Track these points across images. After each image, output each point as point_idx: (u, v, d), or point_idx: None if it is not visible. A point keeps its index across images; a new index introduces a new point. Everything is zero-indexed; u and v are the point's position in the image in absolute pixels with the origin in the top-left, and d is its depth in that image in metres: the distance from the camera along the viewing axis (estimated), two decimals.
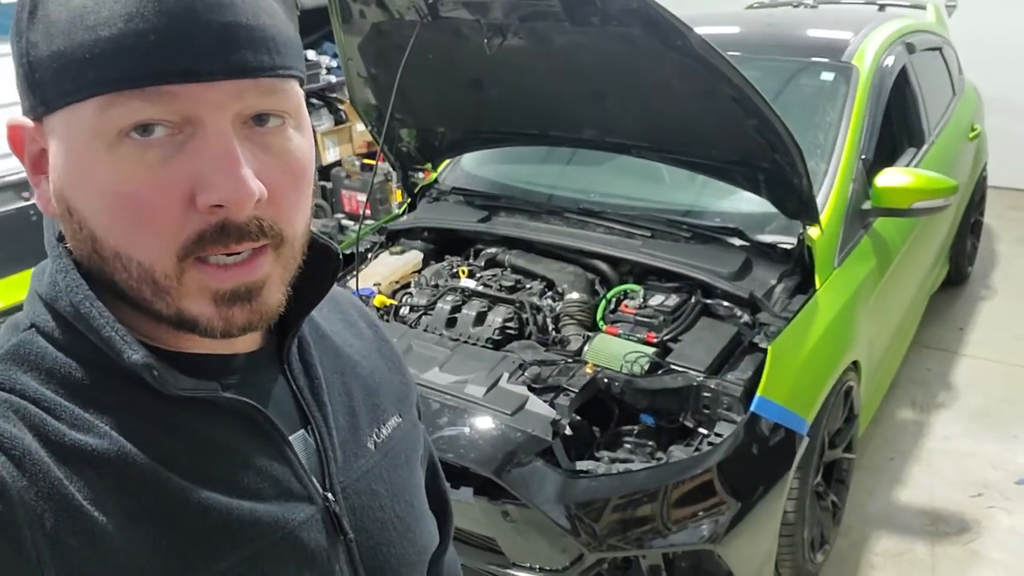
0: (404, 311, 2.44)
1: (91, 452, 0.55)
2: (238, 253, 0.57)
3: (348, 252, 2.75)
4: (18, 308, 0.65)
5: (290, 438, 0.67)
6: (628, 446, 2.03)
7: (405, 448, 0.80)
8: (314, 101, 5.07)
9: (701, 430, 2.02)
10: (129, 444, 0.56)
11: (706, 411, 2.02)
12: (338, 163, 5.13)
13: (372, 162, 4.88)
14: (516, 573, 1.98)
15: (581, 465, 1.95)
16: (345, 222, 4.86)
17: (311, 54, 5.14)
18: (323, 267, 0.69)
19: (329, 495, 0.68)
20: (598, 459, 1.98)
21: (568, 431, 2.02)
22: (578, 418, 2.06)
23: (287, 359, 0.70)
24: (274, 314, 0.61)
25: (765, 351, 2.05)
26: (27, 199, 3.94)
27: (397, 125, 2.82)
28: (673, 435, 2.06)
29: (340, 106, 5.19)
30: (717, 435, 1.97)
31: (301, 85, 0.61)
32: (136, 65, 0.52)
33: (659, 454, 2.00)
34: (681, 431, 2.05)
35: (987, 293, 4.27)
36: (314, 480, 0.67)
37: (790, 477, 2.03)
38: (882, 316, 2.68)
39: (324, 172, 5.08)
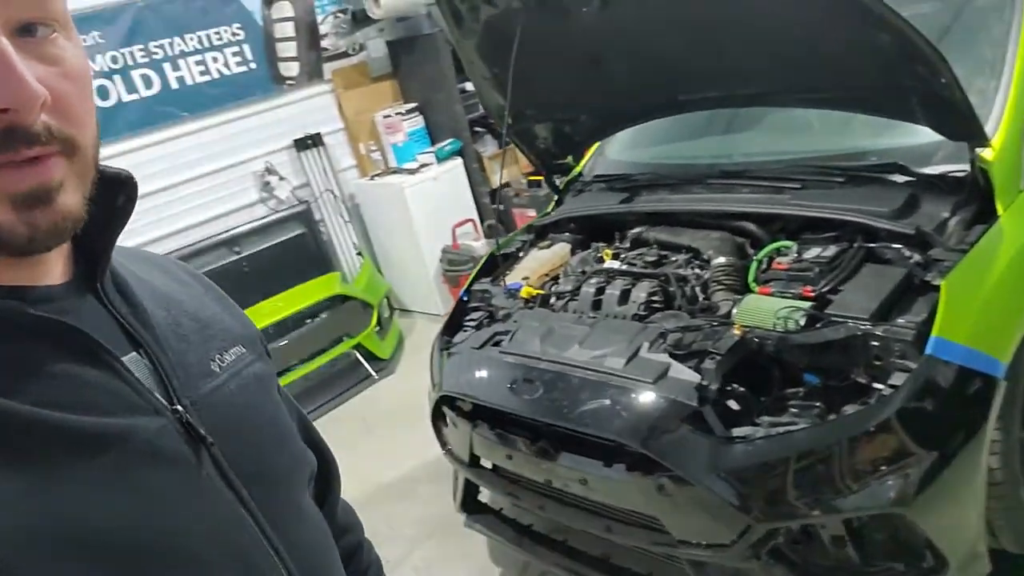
0: (552, 299, 2.44)
1: None
2: (30, 161, 0.57)
3: (499, 254, 2.81)
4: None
5: (123, 359, 0.66)
6: (793, 410, 1.87)
7: (255, 373, 0.79)
8: (477, 129, 5.27)
9: (876, 385, 1.81)
10: None
11: (877, 363, 1.82)
12: (507, 184, 5.27)
13: (539, 178, 4.97)
14: (684, 551, 1.88)
15: (738, 432, 1.83)
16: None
17: (468, 85, 5.36)
18: (121, 193, 0.70)
19: (178, 407, 0.67)
20: (758, 425, 1.85)
21: (733, 404, 1.91)
22: (739, 388, 1.94)
23: (104, 289, 0.70)
24: (76, 218, 0.61)
25: (939, 289, 1.81)
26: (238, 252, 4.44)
27: (531, 123, 2.85)
28: (845, 394, 1.87)
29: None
30: (892, 387, 1.77)
31: None
32: None
33: (830, 416, 1.82)
34: (854, 389, 1.86)
35: None
36: (156, 395, 0.67)
37: (990, 427, 1.76)
38: None
39: (494, 195, 5.24)
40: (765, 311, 1.96)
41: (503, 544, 2.40)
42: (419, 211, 4.76)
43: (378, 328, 4.36)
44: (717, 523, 1.81)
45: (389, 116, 5.08)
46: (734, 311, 2.03)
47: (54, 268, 0.67)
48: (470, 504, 2.51)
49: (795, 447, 1.74)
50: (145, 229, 4.26)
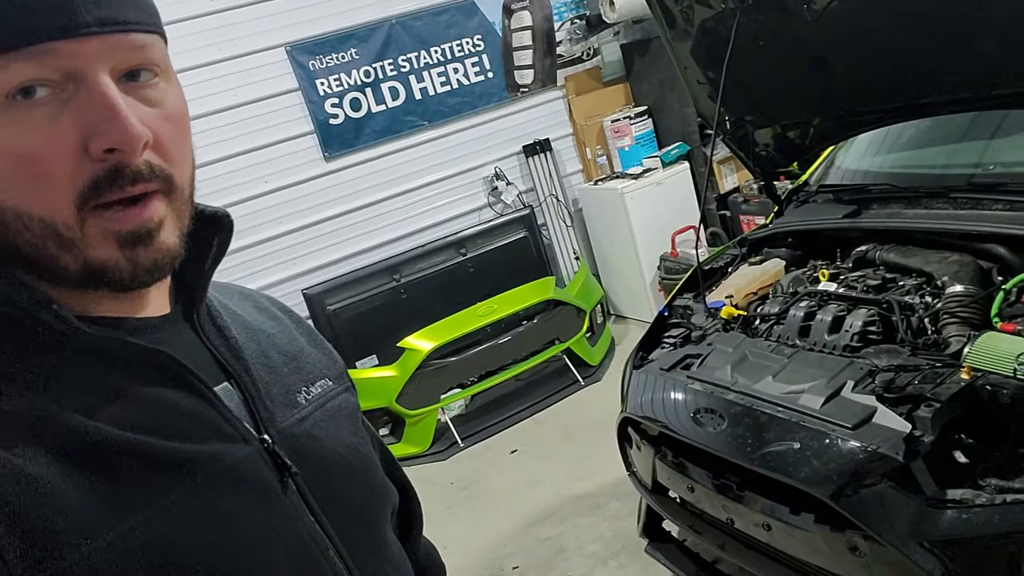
0: (756, 321, 2.24)
1: (8, 412, 0.58)
2: (134, 198, 0.60)
3: (707, 268, 2.65)
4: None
5: (215, 388, 0.69)
6: None
7: (340, 404, 0.81)
8: (708, 132, 5.03)
9: None
10: (46, 400, 0.59)
11: None
12: (736, 190, 4.99)
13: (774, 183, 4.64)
14: None
15: (954, 494, 1.54)
16: (697, 245, 4.70)
17: None
18: (218, 232, 0.74)
19: (266, 436, 0.70)
20: (982, 487, 1.55)
21: (960, 456, 1.62)
22: (967, 439, 1.65)
23: (200, 321, 0.73)
24: (175, 255, 0.64)
25: None
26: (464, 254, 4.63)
27: (750, 128, 2.65)
28: None
29: None
30: None
31: (165, 42, 0.65)
32: (15, 26, 0.56)
33: None
34: None
35: None
36: (245, 424, 0.69)
37: None
38: None
39: (722, 200, 4.99)
40: (1005, 353, 1.64)
41: None
42: (639, 217, 4.65)
43: (589, 334, 4.32)
44: None
45: (618, 120, 5.02)
46: (966, 350, 1.72)
47: (155, 301, 0.72)
48: (652, 530, 2.38)
49: None
50: (383, 231, 4.58)
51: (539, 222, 4.96)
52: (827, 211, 2.49)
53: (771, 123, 2.62)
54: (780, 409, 1.77)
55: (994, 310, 1.84)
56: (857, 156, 2.72)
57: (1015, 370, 1.60)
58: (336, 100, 4.43)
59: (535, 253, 4.83)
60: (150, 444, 0.61)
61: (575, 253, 5.06)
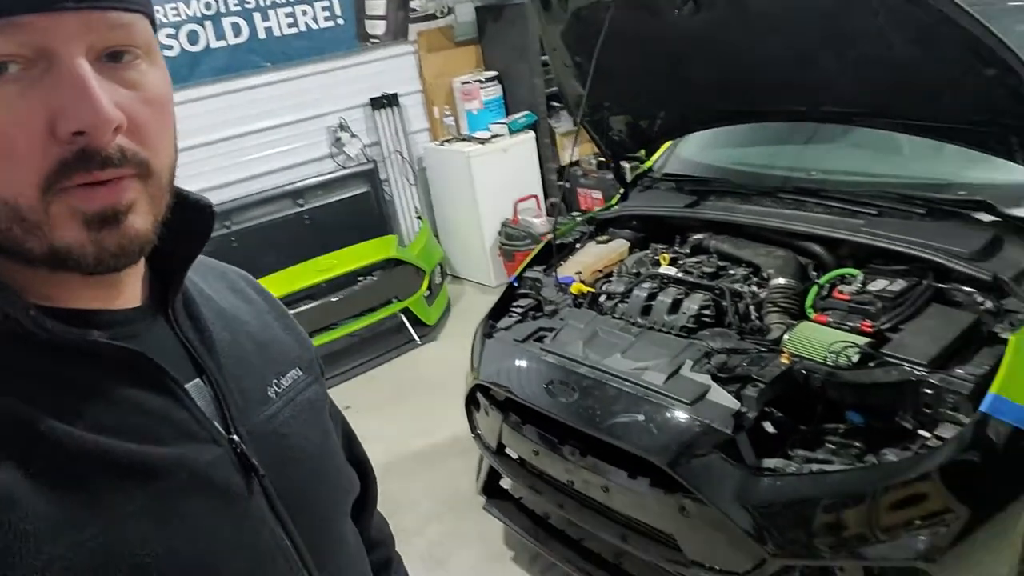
0: (601, 298, 2.40)
1: None
2: (103, 182, 0.57)
3: (559, 243, 2.77)
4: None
5: (186, 386, 0.67)
6: (830, 446, 1.81)
7: (309, 398, 0.80)
8: (554, 104, 5.19)
9: (922, 432, 1.73)
10: (10, 399, 0.57)
11: (927, 411, 1.73)
12: (576, 163, 5.19)
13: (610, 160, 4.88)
14: (695, 572, 1.84)
15: (769, 463, 1.77)
16: (555, 224, 4.92)
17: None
18: (198, 221, 0.70)
19: (235, 437, 0.68)
20: (791, 459, 1.79)
21: (770, 427, 1.85)
22: (778, 414, 1.88)
23: (173, 313, 0.71)
24: (144, 241, 0.61)
25: (1006, 342, 1.71)
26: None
27: (607, 113, 2.79)
28: (887, 437, 1.79)
29: None
30: (939, 438, 1.68)
31: (152, 24, 0.62)
32: None
33: (868, 457, 1.75)
34: (897, 433, 1.78)
35: None
36: (215, 424, 0.67)
37: None
38: None
39: (562, 172, 5.18)
40: (818, 342, 1.89)
41: (516, 532, 2.40)
42: (484, 181, 4.73)
43: (427, 294, 4.37)
44: (733, 551, 1.77)
45: (468, 83, 5.04)
46: (785, 337, 1.96)
47: (129, 291, 0.68)
48: (491, 489, 2.50)
49: (826, 488, 1.67)
50: (216, 174, 4.34)
51: (382, 178, 4.91)
52: (669, 199, 2.69)
53: (626, 111, 2.78)
54: (627, 384, 1.93)
55: (809, 302, 2.10)
56: (696, 148, 2.95)
57: (825, 358, 1.85)
58: (172, 31, 4.12)
59: (376, 209, 4.78)
60: (116, 447, 0.59)
61: (417, 212, 5.06)
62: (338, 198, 4.61)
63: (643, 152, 2.98)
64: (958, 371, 1.72)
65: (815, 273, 2.21)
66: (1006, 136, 1.90)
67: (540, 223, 4.53)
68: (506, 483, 2.55)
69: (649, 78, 2.56)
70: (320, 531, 0.74)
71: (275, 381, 0.77)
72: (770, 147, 2.79)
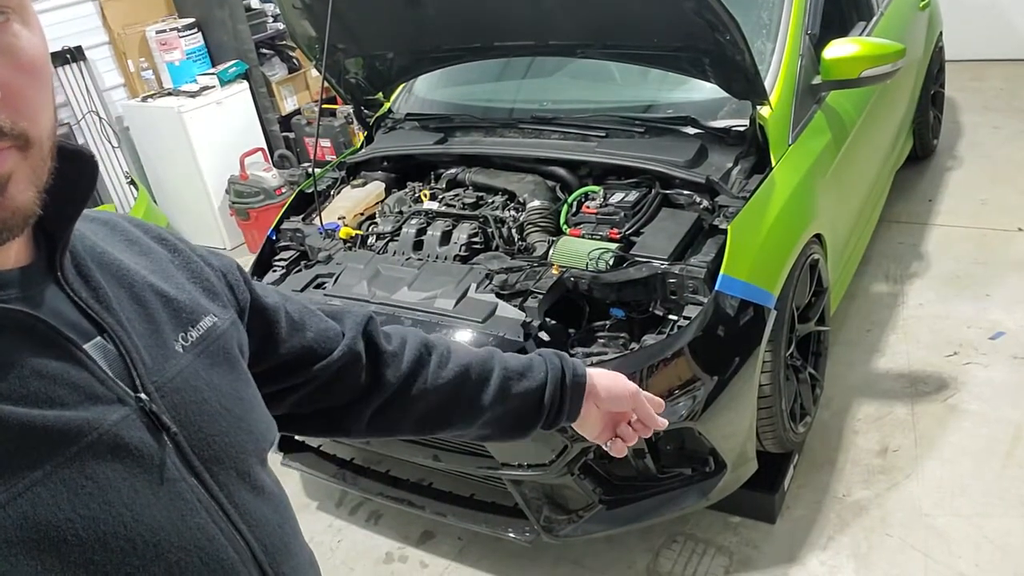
0: (371, 240, 2.45)
1: None
2: None
3: (309, 192, 2.75)
4: None
5: (85, 346, 0.65)
6: (601, 340, 2.08)
7: (224, 345, 0.79)
8: (264, 51, 4.98)
9: (671, 316, 2.06)
10: None
11: (673, 297, 2.06)
12: (298, 112, 5.06)
13: (333, 107, 4.83)
14: (506, 472, 2.04)
15: None
16: (313, 170, 4.83)
17: (254, 2, 5.03)
18: (79, 173, 0.67)
19: (142, 395, 0.67)
20: (573, 355, 2.02)
21: (544, 335, 2.06)
22: (551, 321, 2.10)
23: (62, 272, 0.67)
24: (27, 214, 0.59)
25: (725, 232, 2.07)
26: None
27: (342, 56, 2.78)
28: (645, 325, 2.10)
29: (292, 54, 5.09)
30: (686, 319, 2.01)
31: None
32: None
33: (633, 345, 2.04)
34: (653, 320, 2.09)
35: (954, 163, 4.30)
36: (120, 383, 0.66)
37: (762, 350, 2.08)
38: (843, 189, 2.70)
39: (285, 122, 5.02)
40: (578, 252, 2.13)
41: (324, 480, 2.43)
42: (201, 138, 4.45)
43: None
44: (538, 445, 1.98)
45: (163, 32, 4.65)
46: (551, 252, 2.19)
47: (15, 251, 0.64)
48: (286, 444, 2.50)
49: None
50: None
51: (79, 142, 4.40)
52: (416, 137, 2.79)
53: (361, 52, 2.79)
54: (420, 313, 2.04)
55: (562, 219, 2.34)
56: (431, 87, 3.06)
57: (587, 264, 2.10)
58: None
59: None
60: (15, 413, 0.57)
61: (128, 177, 4.63)
62: None
63: (381, 95, 3.02)
64: (692, 260, 2.06)
65: (562, 193, 2.46)
66: (700, 59, 2.26)
67: (271, 176, 4.39)
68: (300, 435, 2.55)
69: (381, 17, 2.59)
70: (238, 480, 0.74)
71: (183, 333, 0.74)
72: (496, 83, 2.98)
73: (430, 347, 1.06)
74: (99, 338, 0.67)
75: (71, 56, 4.39)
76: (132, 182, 4.60)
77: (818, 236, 2.42)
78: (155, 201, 4.74)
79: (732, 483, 2.12)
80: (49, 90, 0.61)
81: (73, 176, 0.66)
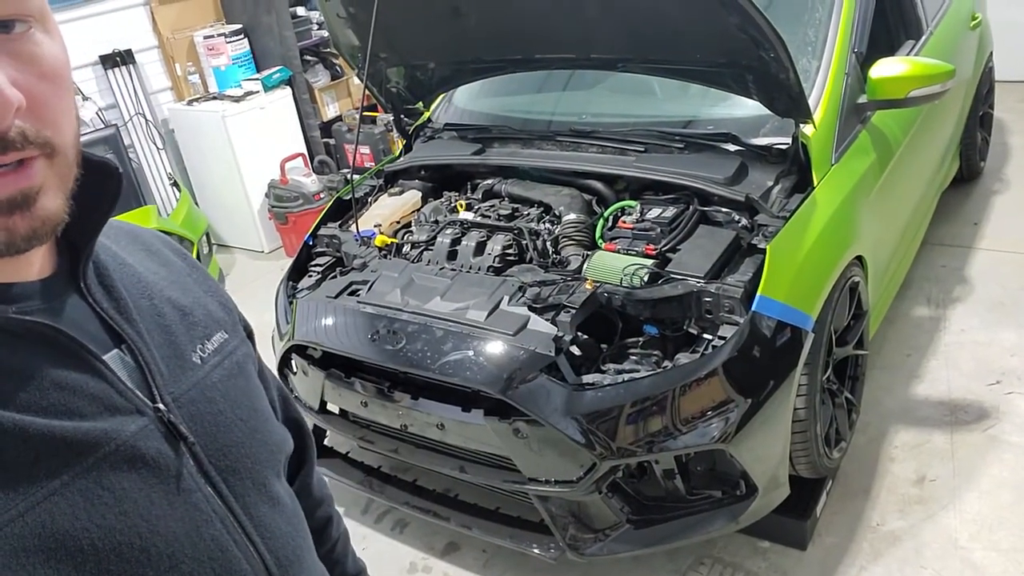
0: (406, 248, 2.46)
1: None
2: (6, 164, 0.55)
3: (347, 199, 2.77)
4: None
5: (104, 357, 0.66)
6: (634, 357, 2.05)
7: (237, 360, 0.79)
8: (308, 58, 5.04)
9: (706, 335, 2.03)
10: None
11: (708, 316, 2.03)
12: (339, 118, 5.12)
13: (373, 114, 4.87)
14: (533, 487, 2.02)
15: (587, 379, 1.97)
16: (352, 177, 4.87)
17: (300, 10, 5.09)
18: (104, 185, 0.68)
19: (160, 406, 0.67)
20: (604, 372, 2.01)
21: (576, 350, 2.05)
22: (583, 336, 2.09)
23: (85, 282, 0.68)
24: (56, 221, 0.60)
25: (764, 251, 2.04)
26: None
27: (383, 65, 2.80)
28: (679, 343, 2.07)
29: (335, 61, 5.15)
30: (721, 338, 1.98)
31: None
32: None
33: (665, 363, 2.02)
34: (687, 339, 2.07)
35: (1001, 186, 4.19)
36: (139, 394, 0.66)
37: (798, 373, 2.04)
38: (886, 211, 2.65)
39: (326, 128, 5.08)
40: (613, 267, 2.11)
41: (350, 486, 2.44)
42: (243, 142, 4.52)
43: None
44: (566, 462, 1.97)
45: (211, 37, 4.73)
46: (585, 266, 2.17)
47: (35, 263, 0.65)
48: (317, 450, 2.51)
49: (638, 393, 1.91)
50: None
51: (125, 143, 4.49)
52: (454, 148, 2.79)
53: (403, 62, 2.81)
54: (451, 324, 2.04)
55: (598, 233, 2.33)
56: (470, 98, 3.07)
57: (621, 280, 2.08)
58: None
59: (124, 178, 4.37)
60: (34, 424, 0.58)
61: (171, 178, 4.70)
62: None
63: (421, 104, 3.03)
64: (729, 280, 2.03)
65: (599, 207, 2.44)
66: (743, 75, 2.23)
67: (311, 181, 4.43)
68: (330, 440, 2.57)
69: (425, 28, 2.61)
70: (254, 491, 0.74)
71: (200, 346, 0.75)
72: (535, 95, 2.98)
73: (330, 528, 1.03)
74: (117, 350, 0.68)
75: (121, 59, 4.50)
76: (175, 183, 4.67)
77: (859, 258, 2.37)
78: (196, 203, 4.81)
79: (763, 507, 2.08)
80: (70, 97, 0.61)
81: (99, 187, 0.67)
